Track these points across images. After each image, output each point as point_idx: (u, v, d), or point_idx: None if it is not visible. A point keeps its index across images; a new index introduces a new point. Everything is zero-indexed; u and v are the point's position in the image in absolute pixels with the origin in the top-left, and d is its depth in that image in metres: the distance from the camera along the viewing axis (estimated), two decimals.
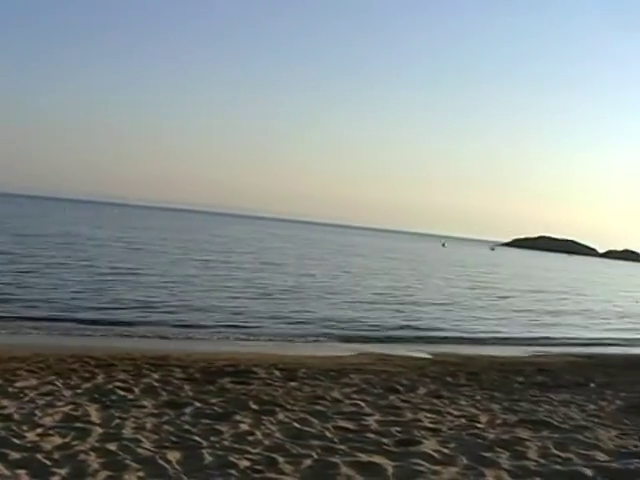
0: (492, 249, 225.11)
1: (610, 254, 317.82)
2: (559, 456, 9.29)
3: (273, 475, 7.76)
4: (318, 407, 11.56)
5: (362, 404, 12.08)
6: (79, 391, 11.77)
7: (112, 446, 8.40)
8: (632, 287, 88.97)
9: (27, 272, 33.57)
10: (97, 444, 8.49)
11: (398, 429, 10.22)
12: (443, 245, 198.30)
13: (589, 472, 8.55)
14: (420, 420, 11.01)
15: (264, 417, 10.48)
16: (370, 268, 63.39)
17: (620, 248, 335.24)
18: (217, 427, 9.64)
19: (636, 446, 10.22)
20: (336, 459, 8.41)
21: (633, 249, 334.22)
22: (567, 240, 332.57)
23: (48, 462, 7.72)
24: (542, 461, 8.99)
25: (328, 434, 9.69)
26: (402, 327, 28.58)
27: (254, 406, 11.24)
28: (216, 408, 10.93)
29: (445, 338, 26.96)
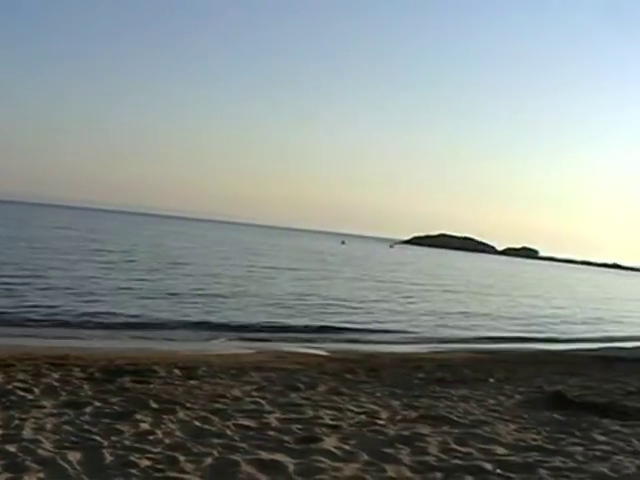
0: (391, 246, 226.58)
1: (509, 251, 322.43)
2: (459, 451, 9.48)
3: (174, 474, 7.76)
4: (218, 405, 11.56)
5: (262, 402, 12.10)
6: None
7: (12, 447, 8.28)
8: (536, 284, 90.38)
9: None
10: None
11: (299, 426, 10.28)
12: (343, 243, 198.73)
13: (489, 466, 8.74)
14: (321, 417, 11.09)
15: (164, 416, 10.45)
16: (271, 267, 63.27)
17: (518, 245, 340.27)
18: (117, 426, 9.57)
19: (534, 440, 10.48)
20: (237, 457, 8.44)
21: (531, 246, 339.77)
22: (466, 238, 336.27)
23: None
24: (442, 456, 9.15)
25: (229, 432, 9.71)
26: (303, 325, 28.69)
27: (154, 405, 11.18)
28: (116, 407, 10.85)
29: (345, 336, 27.12)
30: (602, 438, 10.92)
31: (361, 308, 37.83)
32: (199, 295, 35.56)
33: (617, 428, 11.75)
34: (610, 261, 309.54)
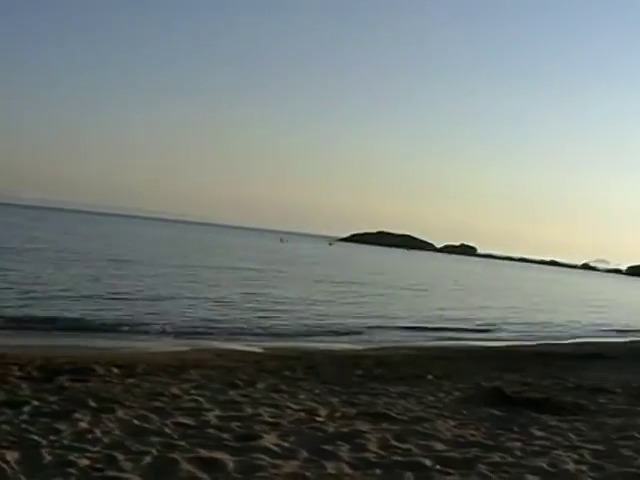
0: (330, 244, 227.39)
1: (447, 249, 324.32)
2: (399, 447, 9.55)
3: (113, 473, 7.72)
4: (157, 403, 11.51)
5: (201, 400, 12.10)
6: None
7: None
8: (477, 281, 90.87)
9: None
10: None
11: (238, 424, 10.30)
12: (282, 241, 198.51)
13: (428, 462, 8.82)
14: (260, 415, 11.11)
15: (103, 415, 10.37)
16: (213, 266, 63.08)
17: (457, 243, 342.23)
18: (56, 426, 9.48)
19: (473, 435, 10.60)
20: (176, 455, 8.42)
21: (469, 243, 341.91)
22: (405, 235, 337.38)
23: None
24: (382, 453, 9.21)
25: (168, 430, 9.69)
26: (243, 323, 28.67)
27: (93, 404, 11.10)
28: (55, 406, 10.76)
29: (285, 333, 27.18)
30: (540, 433, 11.09)
31: (301, 306, 37.84)
32: (135, 292, 35.37)
33: (555, 423, 11.95)
34: (547, 258, 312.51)
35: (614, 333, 40.44)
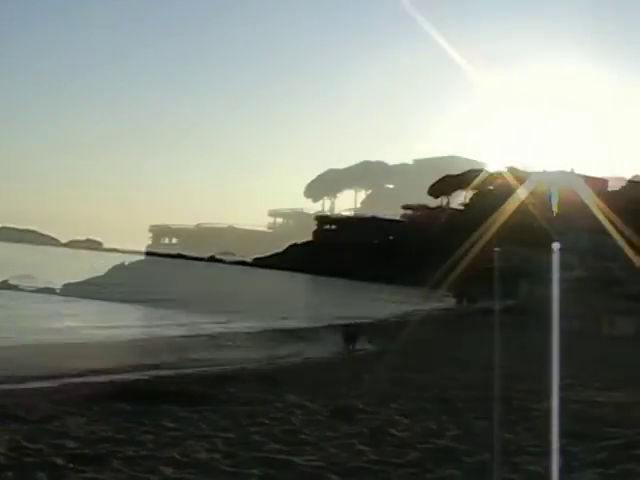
0: None
1: (74, 244, 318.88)
2: (29, 448, 9.34)
3: None
4: None
5: None
6: None
7: None
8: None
9: None
10: None
11: None
12: None
13: (61, 461, 8.70)
14: None
15: None
16: None
17: (83, 237, 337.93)
18: None
19: (105, 431, 10.58)
20: None
21: (96, 238, 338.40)
22: (29, 230, 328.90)
23: None
24: (12, 455, 8.98)
25: None
26: None
27: None
28: None
29: None
30: (171, 425, 11.27)
31: None
32: None
33: (186, 414, 12.19)
34: (174, 252, 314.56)
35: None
